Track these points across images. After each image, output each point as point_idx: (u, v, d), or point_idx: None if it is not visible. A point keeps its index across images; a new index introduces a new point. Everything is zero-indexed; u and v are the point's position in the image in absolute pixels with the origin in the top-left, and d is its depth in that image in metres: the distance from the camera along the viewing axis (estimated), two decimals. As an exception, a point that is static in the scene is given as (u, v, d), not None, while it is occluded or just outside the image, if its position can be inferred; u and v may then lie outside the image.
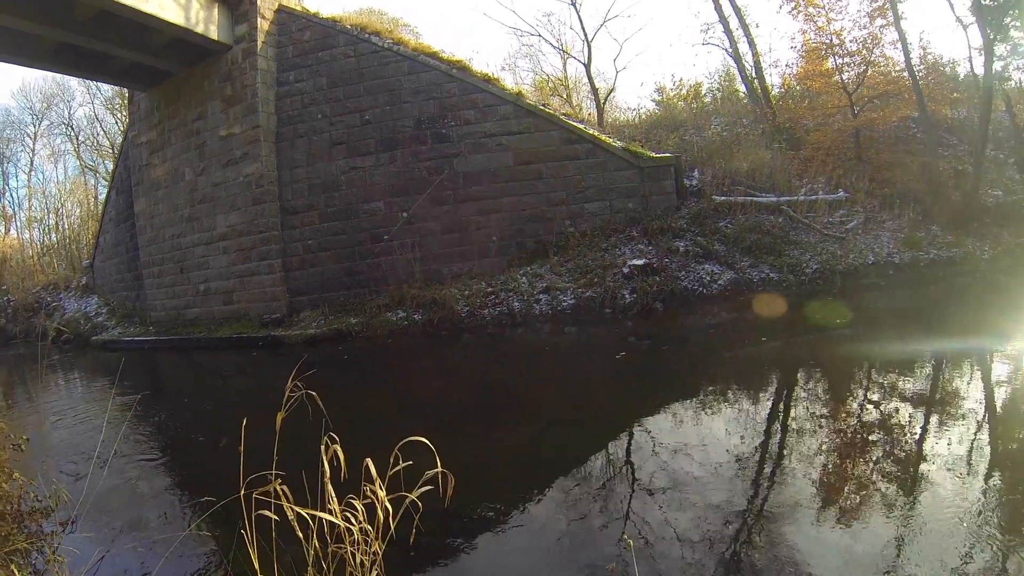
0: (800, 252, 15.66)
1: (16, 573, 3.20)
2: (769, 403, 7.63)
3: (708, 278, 15.23)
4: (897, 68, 20.88)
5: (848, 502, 4.61)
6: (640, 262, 15.45)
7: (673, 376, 9.84)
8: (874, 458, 5.40)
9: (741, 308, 13.93)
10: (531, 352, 13.27)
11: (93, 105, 47.83)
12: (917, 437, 5.84)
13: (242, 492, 2.81)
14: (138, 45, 19.81)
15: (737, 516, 4.54)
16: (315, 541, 2.78)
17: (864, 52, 20.35)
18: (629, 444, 6.60)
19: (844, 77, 20.39)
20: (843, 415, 6.68)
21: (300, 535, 2.73)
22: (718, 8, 24.78)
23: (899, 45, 19.95)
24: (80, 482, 5.49)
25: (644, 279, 15.10)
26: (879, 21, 20.19)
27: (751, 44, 24.27)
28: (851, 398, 7.38)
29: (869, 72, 20.46)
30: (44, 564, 3.75)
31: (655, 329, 13.55)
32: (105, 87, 42.40)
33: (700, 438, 6.29)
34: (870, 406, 6.93)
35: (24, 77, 78.06)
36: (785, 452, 5.82)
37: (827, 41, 20.92)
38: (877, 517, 4.29)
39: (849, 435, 6.07)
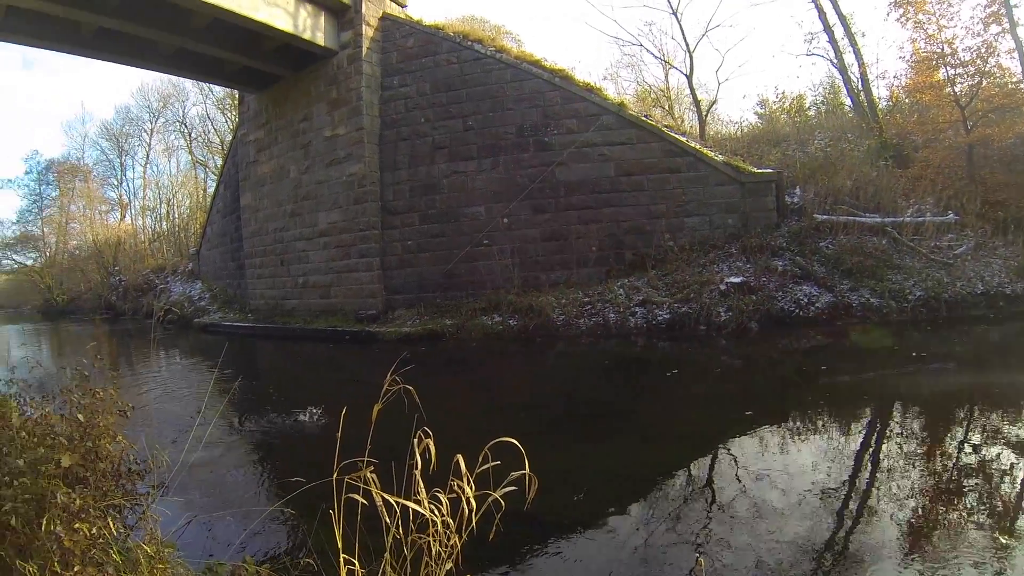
0: (903, 277, 15.09)
1: (111, 525, 3.46)
2: (860, 437, 7.41)
3: (805, 300, 14.89)
4: (1014, 79, 19.59)
5: (936, 551, 4.37)
6: (737, 280, 15.31)
7: (763, 399, 9.67)
8: (968, 506, 5.12)
9: (838, 333, 13.62)
10: (623, 365, 13.18)
11: (205, 105, 50.52)
12: (1019, 487, 5.53)
13: (335, 476, 2.95)
14: (249, 50, 20.83)
15: (816, 552, 4.47)
16: (399, 528, 2.88)
17: (978, 62, 18.94)
18: (712, 466, 6.58)
19: (956, 89, 19.08)
20: (939, 456, 6.38)
21: (386, 521, 2.82)
22: (822, 17, 23.93)
23: (1016, 54, 18.78)
24: (175, 450, 5.77)
25: (740, 297, 14.93)
26: (993, 28, 18.78)
27: (857, 54, 23.36)
28: (949, 438, 7.00)
29: (983, 84, 19.04)
30: (135, 521, 4.00)
31: (748, 349, 13.39)
32: (217, 89, 44.40)
33: (785, 466, 6.19)
34: (969, 449, 6.54)
35: (143, 78, 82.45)
36: (873, 490, 5.61)
37: (938, 50, 19.65)
38: (966, 571, 4.09)
39: (943, 479, 5.79)
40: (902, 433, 7.33)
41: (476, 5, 76.65)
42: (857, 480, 5.87)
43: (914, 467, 6.07)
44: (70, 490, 3.37)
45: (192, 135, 52.39)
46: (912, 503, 5.22)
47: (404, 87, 20.61)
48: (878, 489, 5.61)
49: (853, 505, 5.27)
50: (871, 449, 6.83)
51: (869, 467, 6.26)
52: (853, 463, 6.36)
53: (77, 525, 3.19)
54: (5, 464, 3.64)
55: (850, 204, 17.51)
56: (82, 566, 3.09)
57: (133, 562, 3.37)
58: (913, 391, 9.42)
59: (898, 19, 20.71)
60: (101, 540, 3.31)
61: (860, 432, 7.60)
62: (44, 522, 3.17)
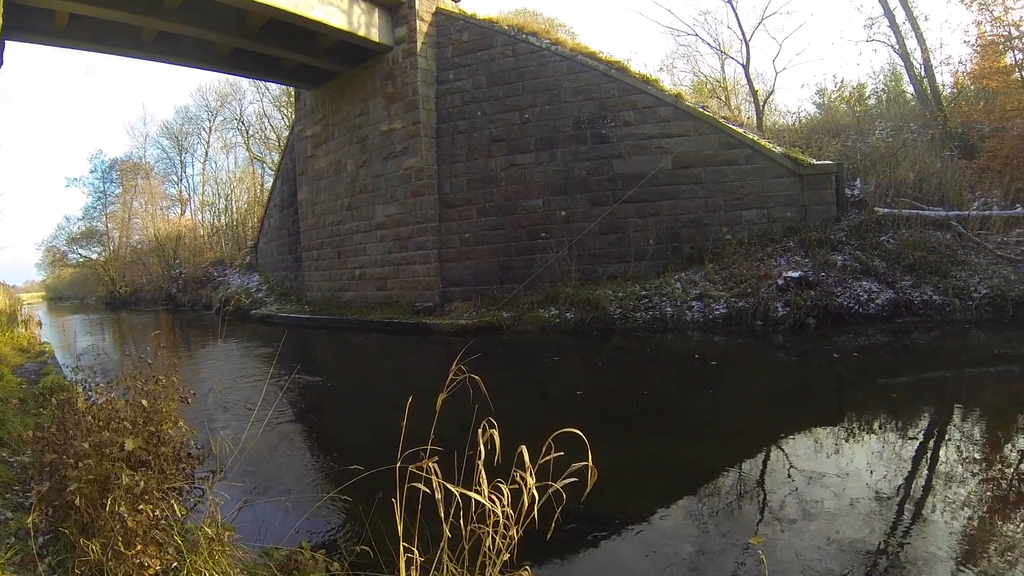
0: (968, 274, 14.48)
1: (175, 506, 3.54)
2: (918, 441, 7.15)
3: (865, 296, 14.47)
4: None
5: (989, 562, 4.23)
6: (795, 275, 14.99)
7: (818, 398, 9.54)
8: None
9: (899, 331, 13.24)
10: (679, 359, 13.00)
11: (262, 102, 51.88)
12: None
13: (398, 464, 2.93)
14: (304, 48, 21.22)
15: (868, 556, 4.37)
16: (460, 519, 2.87)
17: None
18: (764, 466, 6.46)
19: None
20: (1000, 465, 6.12)
21: (442, 513, 2.80)
22: (883, 0, 23.01)
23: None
24: (233, 436, 5.88)
25: (798, 292, 14.62)
26: (1065, 9, 18.18)
27: (919, 40, 22.31)
28: (1012, 447, 6.67)
29: None
30: (194, 504, 4.07)
31: (805, 346, 13.06)
32: (273, 86, 45.66)
33: (838, 468, 6.05)
34: None
35: (201, 79, 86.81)
36: (928, 497, 5.43)
37: (1004, 33, 19.00)
38: None
39: (1003, 488, 5.53)
40: (961, 438, 7.06)
41: (528, -1, 76.49)
42: (912, 486, 5.68)
43: (972, 475, 5.85)
44: (133, 472, 3.44)
45: (249, 132, 53.92)
46: (968, 512, 5.04)
47: (460, 81, 20.71)
48: (934, 496, 5.44)
49: (909, 512, 5.11)
50: (928, 454, 6.62)
51: (925, 473, 6.05)
52: (909, 468, 6.16)
53: (140, 506, 3.26)
54: (71, 446, 3.74)
55: (912, 197, 16.99)
56: (144, 545, 3.16)
57: (193, 543, 3.43)
58: (975, 394, 9.11)
59: (962, 0, 20.06)
60: (163, 521, 3.38)
61: (917, 435, 7.36)
62: (108, 502, 3.24)
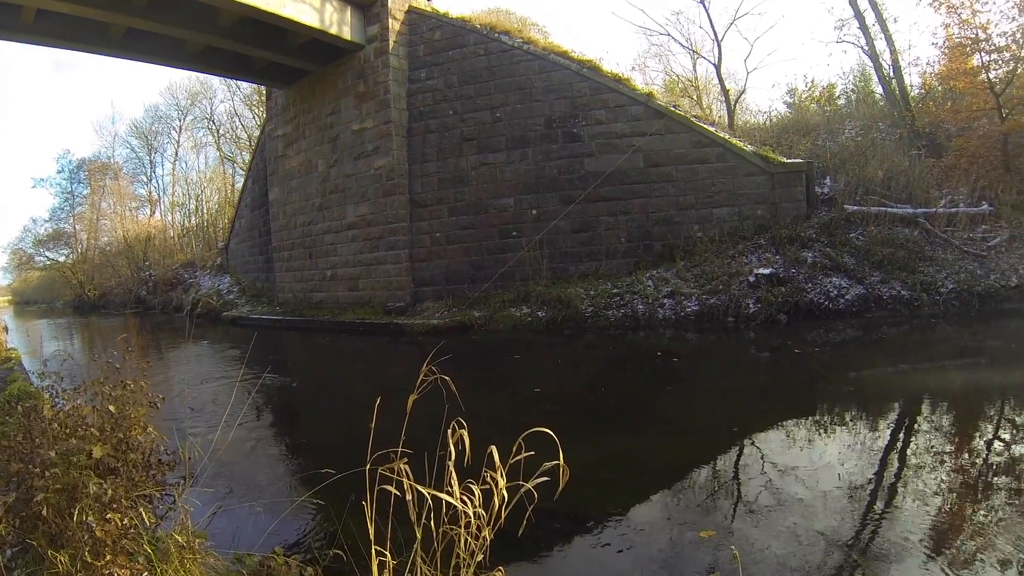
0: (935, 269, 14.83)
1: (144, 515, 3.47)
2: (888, 432, 7.21)
3: (835, 292, 14.68)
4: (1051, 66, 18.82)
5: (960, 550, 4.27)
6: (766, 271, 15.14)
7: (791, 393, 9.56)
8: (996, 505, 4.95)
9: (868, 326, 13.44)
10: (651, 356, 13.01)
11: (233, 101, 51.46)
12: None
13: (368, 467, 2.92)
14: (276, 46, 21.07)
15: (840, 546, 4.39)
16: (431, 521, 2.85)
17: (1014, 47, 18.37)
18: (738, 460, 6.49)
19: (991, 76, 18.59)
20: (967, 454, 6.21)
21: (413, 516, 2.80)
22: (853, 2, 23.28)
23: (1053, 40, 17.97)
24: (204, 440, 5.81)
25: (769, 289, 14.79)
26: (1030, 12, 18.23)
27: (888, 41, 22.72)
28: (979, 437, 6.81)
29: (1019, 70, 18.48)
30: (165, 511, 4.03)
31: (777, 342, 13.14)
32: (244, 85, 45.27)
33: (811, 461, 6.11)
34: (999, 447, 6.40)
35: (171, 77, 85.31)
36: (899, 487, 5.49)
37: (971, 36, 19.13)
38: (990, 571, 3.98)
39: (971, 477, 5.62)
40: (930, 430, 7.15)
41: (502, -2, 76.54)
42: (883, 476, 5.75)
43: (941, 464, 5.95)
44: (101, 480, 3.39)
45: (220, 131, 53.43)
46: (938, 501, 5.10)
47: (431, 80, 20.67)
48: (905, 486, 5.50)
49: (880, 501, 5.17)
50: (898, 445, 6.69)
51: (896, 464, 6.13)
52: (880, 459, 6.24)
53: (109, 515, 3.20)
54: (37, 455, 3.68)
55: (881, 194, 17.22)
56: (113, 555, 3.11)
57: (164, 552, 3.39)
58: (943, 387, 9.19)
59: (930, 3, 20.20)
60: (132, 530, 3.33)
61: (887, 427, 7.42)
62: (76, 512, 3.19)
